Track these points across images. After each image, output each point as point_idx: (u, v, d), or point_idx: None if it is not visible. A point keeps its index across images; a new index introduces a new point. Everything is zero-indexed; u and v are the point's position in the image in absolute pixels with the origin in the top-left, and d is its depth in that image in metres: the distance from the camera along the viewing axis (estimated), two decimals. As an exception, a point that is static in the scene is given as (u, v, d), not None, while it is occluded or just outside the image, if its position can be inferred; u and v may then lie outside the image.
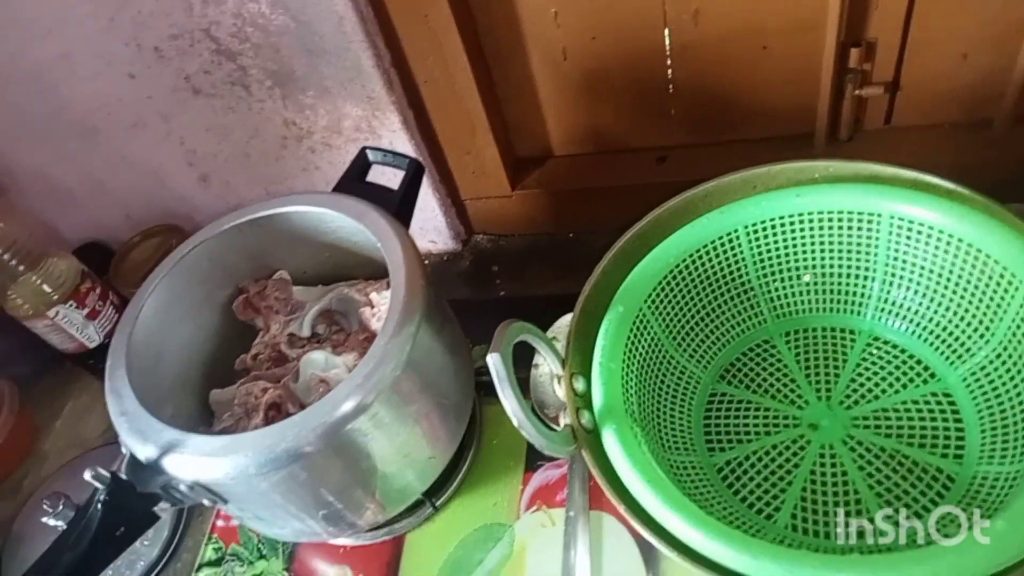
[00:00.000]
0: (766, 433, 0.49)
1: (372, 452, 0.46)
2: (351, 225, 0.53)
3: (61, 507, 0.67)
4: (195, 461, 0.43)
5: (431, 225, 0.79)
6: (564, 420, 0.46)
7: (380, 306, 0.55)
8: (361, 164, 0.56)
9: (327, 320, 0.60)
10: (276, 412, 0.52)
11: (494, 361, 0.41)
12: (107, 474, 0.42)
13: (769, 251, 0.51)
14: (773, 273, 0.52)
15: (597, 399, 0.45)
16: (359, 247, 0.57)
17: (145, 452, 0.44)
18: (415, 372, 0.47)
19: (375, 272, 0.59)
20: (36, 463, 0.79)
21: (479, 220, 0.82)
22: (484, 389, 0.62)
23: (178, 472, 0.43)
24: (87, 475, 0.41)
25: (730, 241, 0.51)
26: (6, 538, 0.74)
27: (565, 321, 0.54)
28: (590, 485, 0.54)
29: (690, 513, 0.39)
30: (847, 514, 0.44)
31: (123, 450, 0.45)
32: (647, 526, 0.40)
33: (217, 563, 0.58)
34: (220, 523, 0.60)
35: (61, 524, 0.67)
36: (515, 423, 0.42)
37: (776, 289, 0.53)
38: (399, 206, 0.53)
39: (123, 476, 0.43)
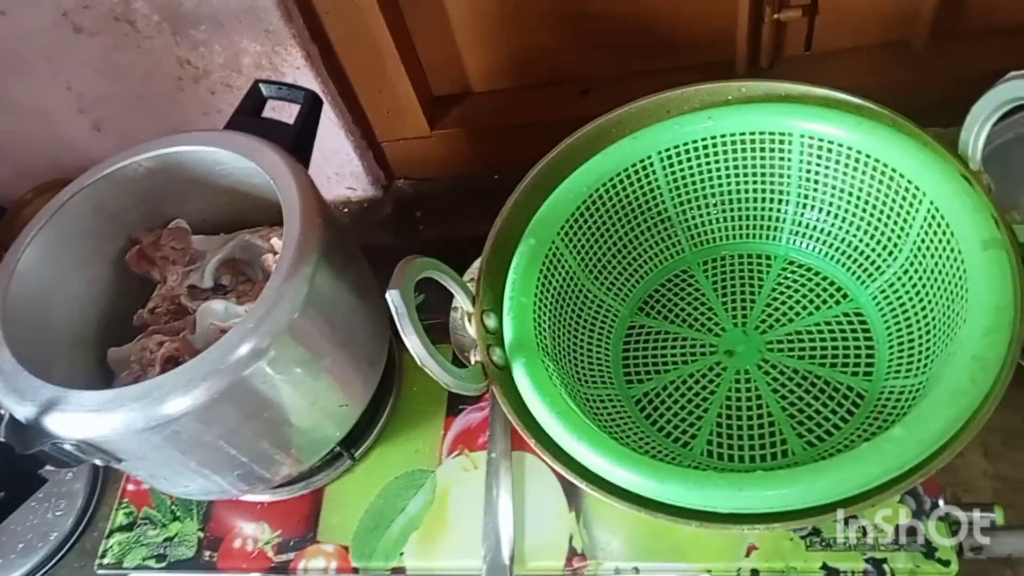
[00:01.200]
0: (683, 362, 0.49)
1: (275, 401, 0.44)
2: (245, 165, 0.49)
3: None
4: (79, 418, 0.40)
5: (347, 171, 0.76)
6: (475, 357, 0.44)
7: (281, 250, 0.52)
8: (255, 99, 0.53)
9: (232, 270, 0.57)
10: (173, 366, 0.48)
11: (392, 297, 0.39)
12: (-19, 438, 0.39)
13: (684, 177, 0.50)
14: (689, 200, 0.51)
15: (508, 334, 0.44)
16: (258, 190, 0.53)
17: (23, 411, 0.40)
18: (316, 314, 0.44)
19: (278, 217, 0.56)
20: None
21: (399, 164, 0.79)
22: (402, 335, 0.60)
23: (61, 431, 0.40)
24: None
25: (644, 168, 0.50)
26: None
27: (479, 263, 0.52)
28: (512, 426, 0.53)
29: (596, 441, 0.38)
30: (760, 436, 0.44)
31: (1, 411, 0.42)
32: (559, 459, 0.39)
33: (129, 527, 0.55)
34: (131, 487, 0.57)
35: None
36: (418, 361, 0.40)
37: (693, 217, 0.52)
38: (295, 141, 0.50)
39: (1, 439, 0.40)
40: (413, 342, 0.39)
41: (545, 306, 0.46)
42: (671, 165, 0.50)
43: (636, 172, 0.50)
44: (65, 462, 0.42)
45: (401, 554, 0.50)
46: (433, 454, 0.54)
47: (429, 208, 0.79)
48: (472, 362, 0.45)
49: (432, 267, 0.44)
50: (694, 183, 0.50)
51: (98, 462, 0.43)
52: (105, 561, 0.54)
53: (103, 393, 0.40)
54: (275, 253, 0.54)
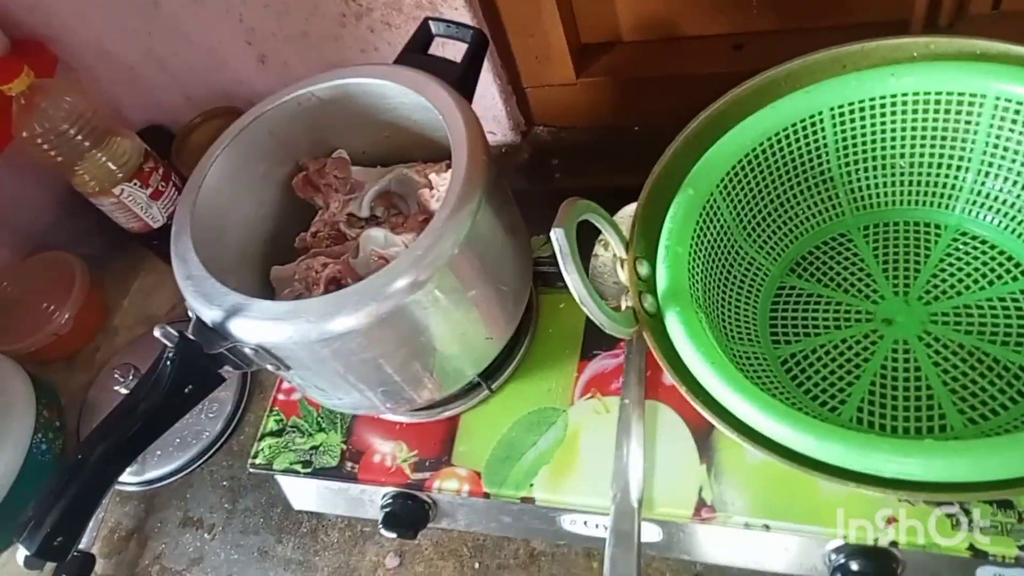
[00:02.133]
0: (836, 327, 0.48)
1: (429, 329, 0.46)
2: (412, 99, 0.51)
3: (131, 377, 0.70)
4: (259, 325, 0.43)
5: (490, 114, 0.77)
6: (625, 303, 0.44)
7: (440, 188, 0.54)
8: (423, 36, 0.54)
9: (385, 202, 0.59)
10: (336, 287, 0.52)
11: (558, 236, 0.40)
12: (175, 333, 0.43)
13: (855, 137, 0.48)
14: (857, 162, 0.49)
15: (661, 282, 0.44)
16: (419, 126, 0.55)
17: (211, 315, 0.44)
18: (473, 252, 0.46)
19: (435, 154, 0.58)
20: (107, 337, 0.83)
21: (540, 110, 0.79)
22: (542, 279, 0.61)
23: (242, 335, 0.44)
24: (157, 332, 0.42)
25: (812, 125, 0.48)
26: (83, 405, 0.78)
27: (629, 210, 0.52)
28: (647, 376, 0.53)
29: (754, 395, 0.38)
30: (917, 409, 0.43)
31: (189, 313, 0.46)
32: (711, 409, 0.39)
33: (279, 434, 0.59)
34: (281, 396, 0.62)
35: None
36: (577, 298, 0.41)
37: (859, 179, 0.50)
38: (461, 80, 0.51)
39: (191, 336, 0.44)
40: (574, 280, 0.40)
41: (698, 258, 0.46)
42: (843, 123, 0.48)
43: (804, 128, 0.48)
44: (243, 364, 0.46)
45: (531, 485, 0.51)
46: (566, 394, 0.55)
47: (565, 157, 0.79)
48: (623, 307, 0.45)
49: (593, 210, 0.44)
50: (865, 144, 0.48)
51: (269, 367, 0.46)
52: (257, 461, 0.58)
53: (282, 304, 0.43)
54: (431, 188, 0.55)
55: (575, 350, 0.57)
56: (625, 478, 0.49)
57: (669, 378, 0.41)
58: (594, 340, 0.57)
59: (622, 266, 0.46)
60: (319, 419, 0.59)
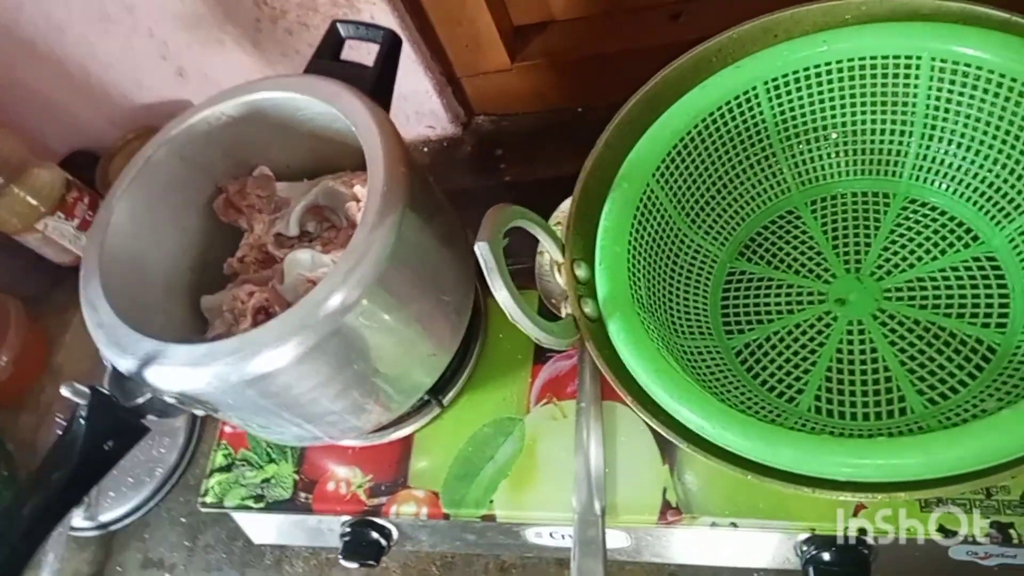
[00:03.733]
0: (788, 312, 0.46)
1: (365, 352, 0.44)
2: (324, 110, 0.48)
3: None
4: (176, 372, 0.40)
5: (427, 108, 0.74)
6: (565, 309, 0.42)
7: (365, 199, 0.51)
8: (333, 40, 0.51)
9: (317, 217, 0.56)
10: (264, 316, 0.49)
11: (481, 250, 0.38)
12: (86, 389, 0.40)
13: (792, 109, 0.46)
14: (797, 135, 0.47)
15: (601, 286, 0.41)
16: (340, 135, 0.52)
17: (125, 364, 0.41)
18: (404, 265, 0.43)
19: (363, 163, 0.55)
20: (52, 377, 0.80)
21: (479, 99, 0.76)
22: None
23: (161, 383, 0.41)
24: (64, 391, 0.39)
25: (748, 100, 0.45)
26: (34, 450, 0.75)
27: (567, 205, 0.50)
28: (600, 376, 0.51)
29: (699, 402, 0.36)
30: (876, 392, 0.41)
31: (105, 363, 0.43)
32: (656, 417, 0.37)
33: (227, 468, 0.57)
34: (228, 428, 0.59)
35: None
36: (508, 316, 0.38)
37: (801, 153, 0.48)
38: (375, 84, 0.48)
39: (103, 390, 0.41)
40: (503, 297, 0.38)
41: (639, 254, 0.43)
42: (778, 96, 0.45)
43: (739, 105, 0.46)
44: (166, 412, 0.43)
45: (491, 502, 0.49)
46: (521, 402, 0.53)
47: (511, 146, 0.76)
48: (563, 314, 0.43)
49: (521, 215, 0.42)
50: (804, 115, 0.46)
51: (198, 412, 0.44)
52: (207, 500, 0.56)
53: (197, 347, 0.40)
54: (358, 200, 0.52)
55: (527, 354, 0.55)
56: (586, 486, 0.47)
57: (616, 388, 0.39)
58: (546, 341, 0.54)
59: (559, 271, 0.43)
60: (268, 450, 0.57)
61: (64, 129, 0.80)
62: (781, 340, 0.45)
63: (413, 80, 0.70)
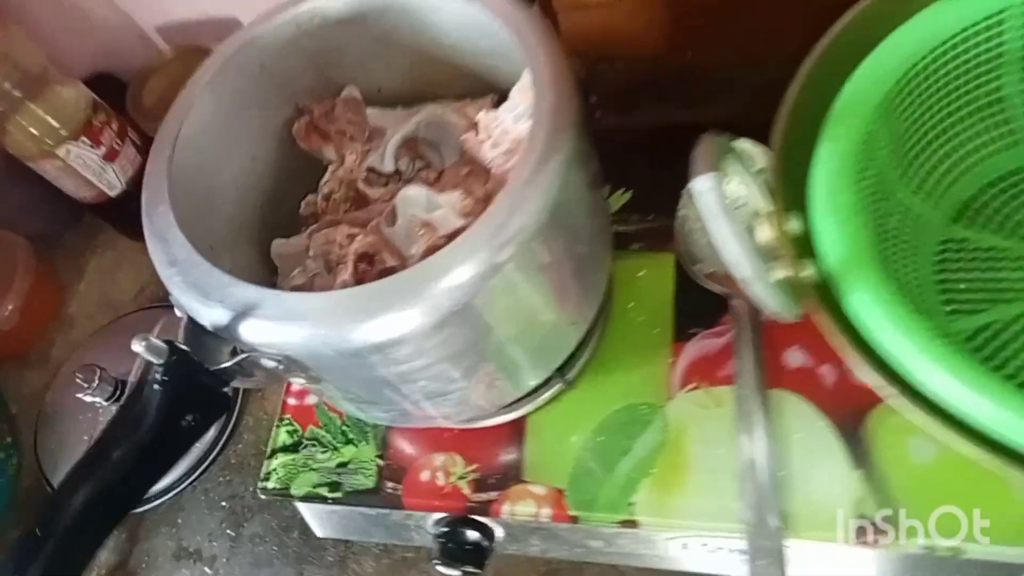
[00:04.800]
0: (1030, 291, 0.37)
1: (511, 314, 0.34)
2: (455, 9, 0.38)
3: (97, 381, 0.57)
4: (286, 328, 0.31)
5: (516, 43, 0.64)
6: (779, 274, 0.33)
7: (493, 130, 0.41)
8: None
9: (409, 152, 0.47)
10: (368, 265, 0.39)
11: (707, 186, 0.28)
12: (163, 345, 0.30)
13: (1044, 40, 0.37)
14: (1041, 73, 0.38)
15: (830, 241, 0.32)
16: (454, 50, 0.43)
17: (211, 315, 0.32)
18: (560, 217, 0.34)
19: (467, 89, 0.45)
20: (62, 329, 0.69)
21: (574, 38, 0.66)
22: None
23: (262, 341, 0.31)
24: (138, 346, 0.29)
25: (994, 26, 0.36)
26: (39, 413, 0.65)
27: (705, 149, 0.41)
28: (765, 356, 0.42)
29: (1003, 391, 0.27)
30: None
31: (177, 312, 0.33)
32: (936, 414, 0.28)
33: (294, 448, 0.47)
34: (292, 400, 0.49)
35: (99, 400, 0.58)
36: (738, 277, 0.29)
37: (1040, 97, 0.39)
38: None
39: (184, 347, 0.31)
40: (735, 252, 0.29)
41: (863, 209, 0.34)
42: (1031, 24, 0.36)
43: (981, 31, 0.37)
44: (258, 378, 0.34)
45: (631, 504, 0.41)
46: (660, 386, 0.44)
47: (606, 93, 0.66)
48: (756, 280, 0.34)
49: (732, 147, 0.33)
50: (1054, 52, 0.37)
51: (296, 380, 0.34)
52: (269, 485, 0.47)
53: (315, 297, 0.31)
54: (476, 131, 0.43)
55: (666, 329, 0.46)
56: (757, 492, 0.39)
57: (859, 373, 0.30)
58: (689, 315, 0.46)
59: (767, 222, 0.34)
60: (344, 428, 0.48)
61: (85, 43, 0.69)
62: None
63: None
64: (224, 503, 0.57)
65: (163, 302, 0.66)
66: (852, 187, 0.34)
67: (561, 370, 0.44)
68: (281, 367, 0.32)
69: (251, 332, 0.31)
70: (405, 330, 0.30)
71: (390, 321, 0.30)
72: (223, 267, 0.40)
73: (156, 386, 0.30)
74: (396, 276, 0.31)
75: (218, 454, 0.59)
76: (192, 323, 0.32)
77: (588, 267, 0.40)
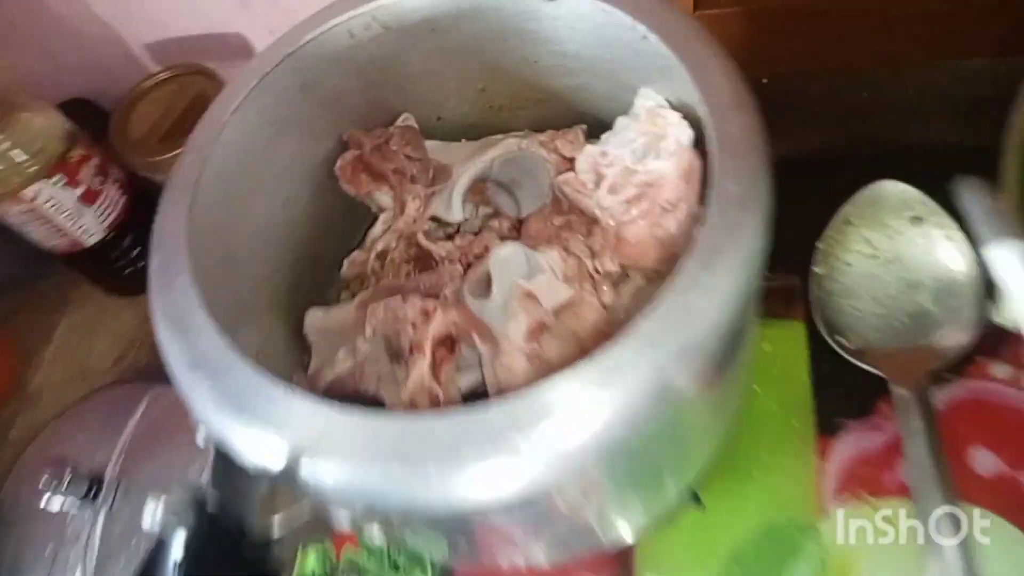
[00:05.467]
0: None
1: (674, 436, 0.25)
2: (569, 12, 0.29)
3: (66, 484, 0.46)
4: (371, 470, 0.20)
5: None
6: None
7: (603, 168, 0.32)
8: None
9: (476, 196, 0.37)
10: (448, 351, 0.29)
11: (1012, 256, 0.19)
12: (185, 504, 0.20)
13: None
14: None
15: None
16: (544, 66, 0.33)
17: (262, 450, 0.21)
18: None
19: (545, 119, 0.36)
20: (24, 404, 0.58)
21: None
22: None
23: (334, 489, 0.21)
24: (150, 514, 0.19)
25: None
26: (-7, 511, 0.53)
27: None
28: (946, 457, 0.33)
29: None
30: None
31: (199, 440, 0.23)
32: None
33: (328, 577, 0.37)
34: (322, 511, 0.39)
35: (70, 508, 0.46)
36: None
37: None
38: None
39: (214, 511, 0.21)
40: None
41: None
42: None
43: None
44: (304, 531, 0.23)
45: (792, 666, 0.31)
46: (808, 498, 0.34)
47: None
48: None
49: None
50: None
51: (374, 536, 0.24)
52: (297, 626, 0.36)
53: (429, 419, 0.21)
54: (571, 168, 0.33)
55: (807, 420, 0.36)
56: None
57: None
58: (834, 401, 0.36)
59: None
60: (392, 555, 0.37)
61: (61, 61, 0.58)
62: None
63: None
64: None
65: (147, 373, 0.55)
66: None
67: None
68: (357, 518, 0.22)
69: (325, 474, 0.21)
70: (545, 479, 0.20)
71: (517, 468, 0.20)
72: (251, 348, 0.31)
73: (173, 567, 0.20)
74: (512, 403, 0.21)
75: None
76: (225, 462, 0.22)
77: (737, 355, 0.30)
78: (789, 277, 0.39)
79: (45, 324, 0.60)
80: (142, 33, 0.55)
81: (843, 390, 0.36)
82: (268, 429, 0.21)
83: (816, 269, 0.37)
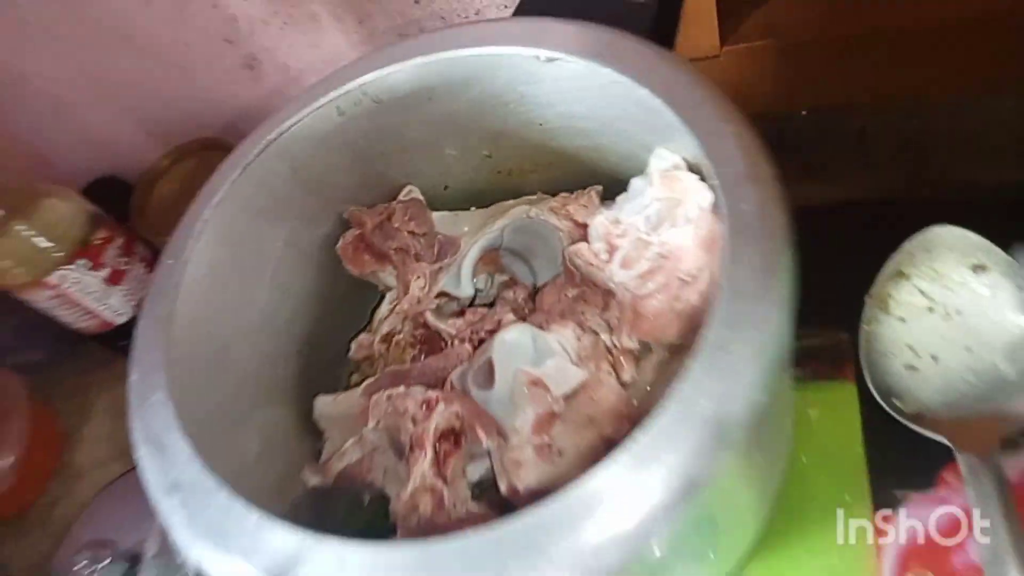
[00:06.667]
0: None
1: (705, 538, 0.22)
2: (572, 72, 0.27)
3: (107, 562, 0.46)
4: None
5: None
6: None
7: (615, 238, 0.30)
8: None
9: (488, 266, 0.35)
10: (453, 445, 0.27)
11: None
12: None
13: None
14: None
15: None
16: (555, 130, 0.32)
17: (231, 580, 0.20)
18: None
19: (558, 181, 0.34)
20: (66, 483, 0.58)
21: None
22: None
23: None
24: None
25: None
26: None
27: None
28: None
29: None
30: None
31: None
32: None
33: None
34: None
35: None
36: None
37: None
38: (655, 24, 0.27)
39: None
40: None
41: None
42: None
43: None
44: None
45: None
46: (864, 578, 0.31)
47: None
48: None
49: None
50: None
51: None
52: None
53: (398, 547, 0.19)
54: (585, 235, 0.31)
55: (861, 494, 0.33)
56: None
57: None
58: (890, 471, 0.33)
59: None
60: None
61: (83, 144, 0.59)
62: None
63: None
64: None
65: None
66: None
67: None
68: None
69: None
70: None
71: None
72: (249, 441, 0.29)
73: None
74: (530, 516, 0.19)
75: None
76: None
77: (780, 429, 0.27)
78: (837, 334, 0.36)
79: (84, 400, 0.60)
80: (155, 111, 0.56)
81: (902, 459, 0.33)
82: (241, 558, 0.20)
83: (865, 325, 0.34)
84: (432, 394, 0.28)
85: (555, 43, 0.26)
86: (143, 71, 0.53)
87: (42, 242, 0.48)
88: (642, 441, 0.18)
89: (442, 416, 0.27)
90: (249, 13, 0.48)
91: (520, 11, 0.30)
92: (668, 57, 0.24)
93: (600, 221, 0.30)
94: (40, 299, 0.50)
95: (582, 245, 0.31)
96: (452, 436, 0.27)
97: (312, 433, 0.33)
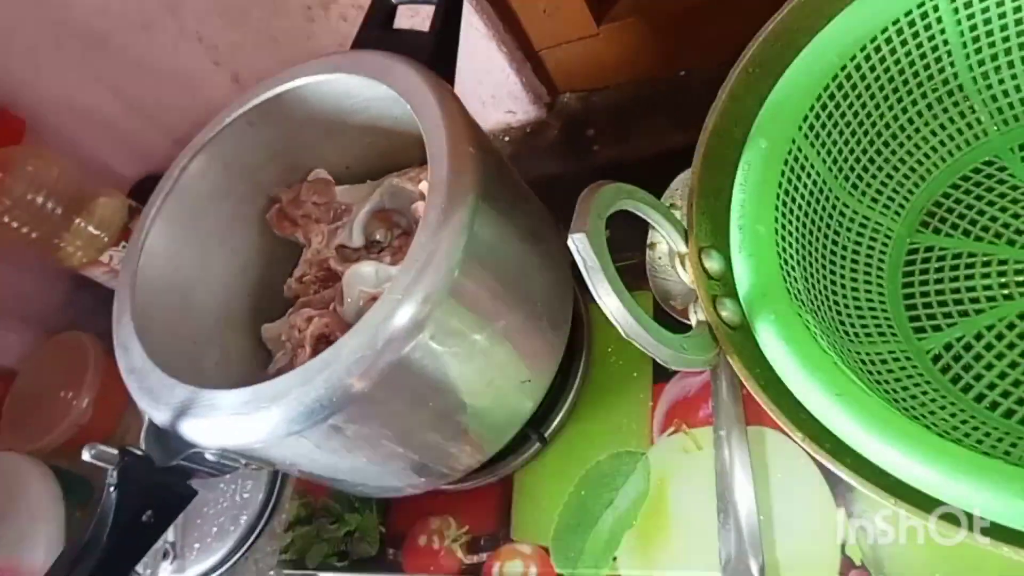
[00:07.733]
0: (1005, 297, 0.33)
1: (443, 383, 0.35)
2: (378, 92, 0.39)
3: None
4: (214, 424, 0.33)
5: (504, 91, 0.64)
6: (696, 315, 0.32)
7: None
8: (382, 8, 0.42)
9: (385, 223, 0.48)
10: (326, 345, 0.41)
11: (578, 243, 0.28)
12: (113, 451, 0.33)
13: (988, 21, 0.34)
14: (995, 56, 0.35)
15: (743, 279, 0.31)
16: (401, 124, 0.43)
17: (159, 416, 0.34)
18: (482, 270, 0.34)
19: (424, 157, 0.47)
20: (136, 417, 0.75)
21: (562, 74, 0.66)
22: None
23: (199, 438, 0.33)
24: (86, 455, 0.32)
25: (924, 16, 0.34)
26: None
27: (684, 178, 0.40)
28: (743, 393, 0.40)
29: (910, 438, 0.25)
30: None
31: (142, 415, 0.36)
32: (839, 458, 0.26)
33: (308, 520, 0.50)
34: (305, 472, 0.52)
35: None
36: (621, 330, 0.28)
37: (1001, 81, 0.35)
38: (434, 52, 0.39)
39: (136, 450, 0.34)
40: (612, 304, 0.28)
41: (789, 235, 0.33)
42: (967, 5, 0.33)
43: (912, 24, 0.34)
44: (215, 471, 0.36)
45: (614, 559, 0.40)
46: (641, 431, 0.43)
47: (603, 123, 0.65)
48: (692, 320, 0.32)
49: (626, 195, 0.32)
50: (1004, 26, 0.34)
51: (254, 468, 0.36)
52: (287, 557, 0.49)
53: (237, 393, 0.33)
54: (425, 198, 0.44)
55: (645, 371, 0.44)
56: (738, 539, 0.37)
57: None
58: (667, 353, 0.44)
59: (683, 264, 0.33)
60: (350, 497, 0.49)
61: (129, 153, 0.76)
62: (999, 337, 0.32)
63: (486, 58, 0.60)
64: (271, 572, 0.59)
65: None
66: (770, 216, 0.32)
67: (539, 427, 0.44)
68: (223, 460, 0.34)
69: (188, 429, 0.33)
70: (319, 412, 0.32)
71: (307, 402, 0.31)
72: (213, 358, 0.44)
73: (111, 489, 0.33)
74: (309, 364, 0.32)
75: (265, 524, 0.62)
76: (152, 426, 0.35)
77: (535, 319, 0.39)
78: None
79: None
80: (173, 122, 0.71)
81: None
82: (161, 404, 0.34)
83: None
84: (310, 312, 0.41)
85: (360, 68, 0.39)
86: (161, 92, 0.68)
87: (95, 231, 0.65)
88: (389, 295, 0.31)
89: (316, 325, 0.41)
90: (224, 41, 0.62)
91: (356, 44, 0.43)
92: (424, 75, 0.36)
93: (425, 186, 0.43)
94: (99, 275, 0.67)
95: (419, 203, 0.43)
96: (325, 339, 0.41)
97: (268, 354, 0.47)
